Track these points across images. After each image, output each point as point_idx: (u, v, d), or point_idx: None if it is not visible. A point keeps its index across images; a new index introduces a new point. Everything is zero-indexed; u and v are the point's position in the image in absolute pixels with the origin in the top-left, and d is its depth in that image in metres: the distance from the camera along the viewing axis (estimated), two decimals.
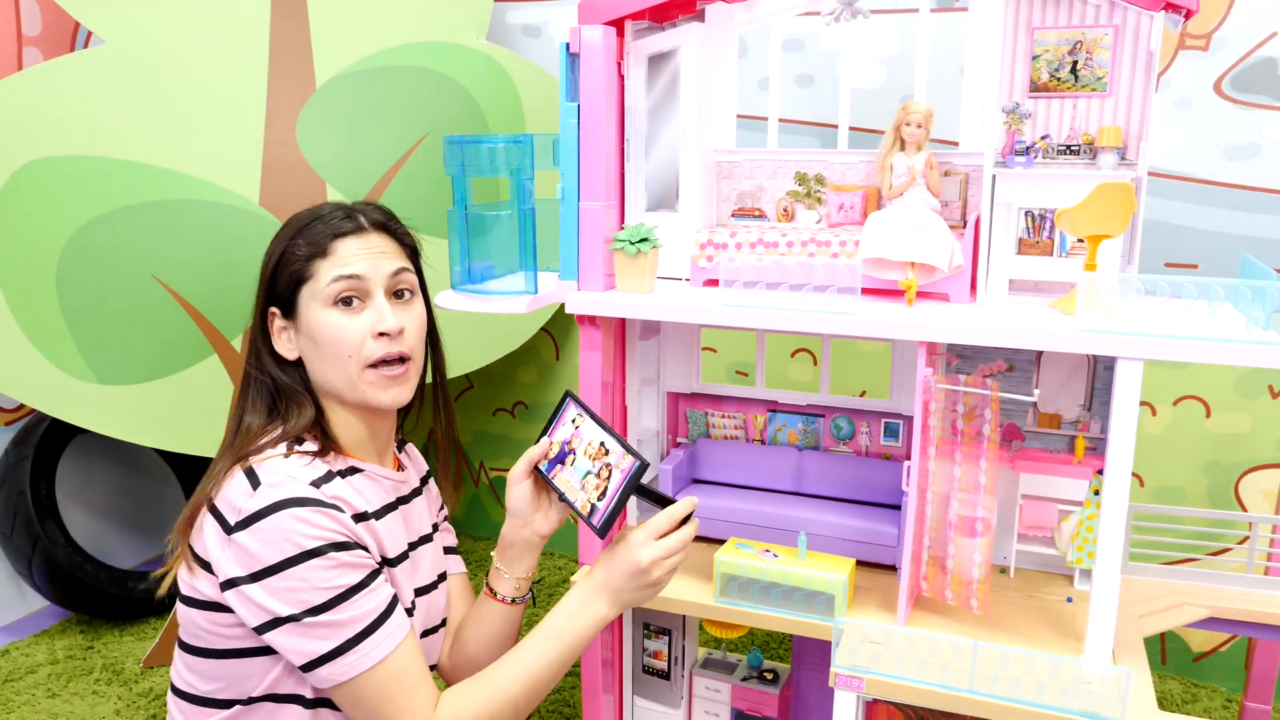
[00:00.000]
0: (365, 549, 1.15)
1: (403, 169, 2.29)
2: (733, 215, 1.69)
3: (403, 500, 1.32)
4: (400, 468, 1.36)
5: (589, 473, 1.27)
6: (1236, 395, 2.05)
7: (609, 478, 1.24)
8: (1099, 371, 1.55)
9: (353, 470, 1.23)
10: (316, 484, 1.14)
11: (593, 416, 1.31)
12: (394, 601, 1.16)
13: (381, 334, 1.21)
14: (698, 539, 1.73)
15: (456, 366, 2.58)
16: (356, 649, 1.11)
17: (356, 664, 1.11)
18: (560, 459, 1.32)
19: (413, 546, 1.32)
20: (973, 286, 1.44)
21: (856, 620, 1.40)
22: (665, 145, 1.64)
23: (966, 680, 1.26)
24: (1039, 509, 1.55)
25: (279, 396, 1.24)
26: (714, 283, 1.56)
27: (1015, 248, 1.55)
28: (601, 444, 1.27)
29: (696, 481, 1.80)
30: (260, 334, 1.25)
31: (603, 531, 1.24)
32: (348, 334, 1.20)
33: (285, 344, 1.25)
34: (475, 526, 3.08)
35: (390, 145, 2.29)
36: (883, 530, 1.58)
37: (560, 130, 1.49)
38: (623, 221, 1.60)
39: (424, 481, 1.43)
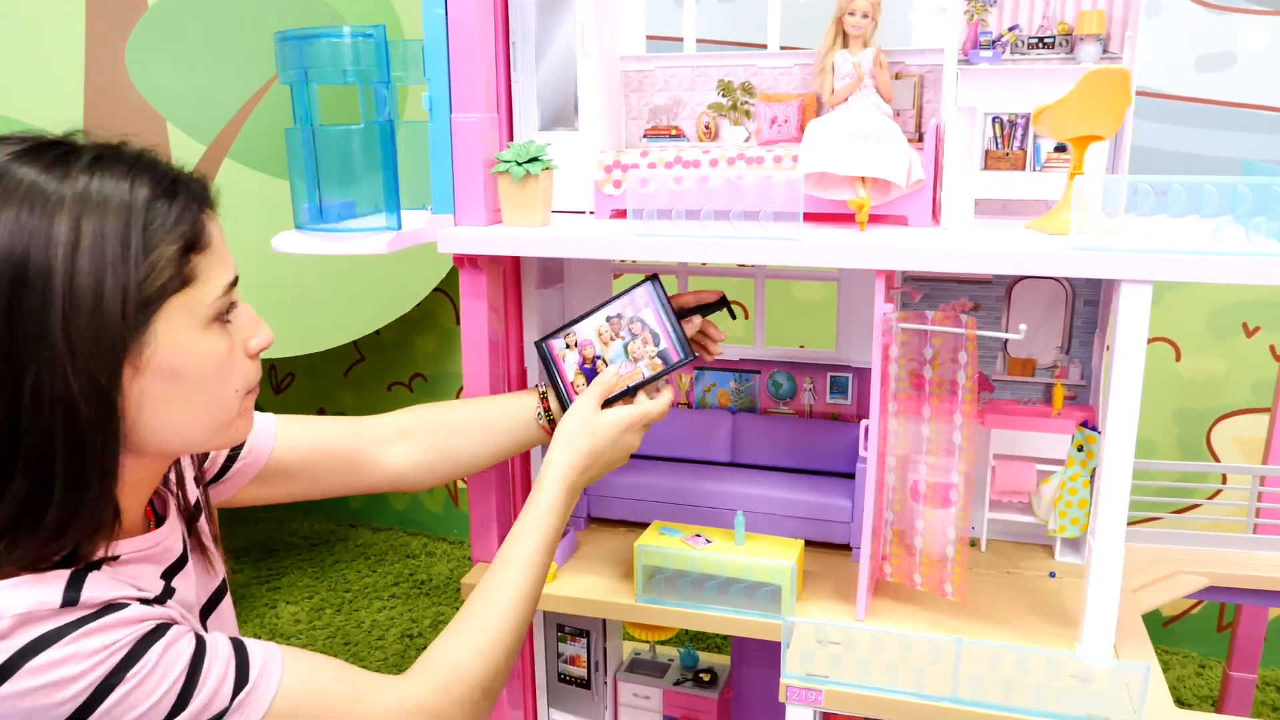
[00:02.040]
0: (167, 623, 0.76)
1: (261, 103, 1.95)
2: (645, 135, 1.41)
3: (178, 566, 0.88)
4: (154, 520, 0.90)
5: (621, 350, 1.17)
6: (1209, 335, 1.86)
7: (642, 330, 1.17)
8: (1078, 307, 1.32)
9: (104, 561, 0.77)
10: (70, 598, 0.71)
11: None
12: (238, 644, 0.80)
13: (258, 350, 0.86)
14: (613, 525, 1.47)
15: (338, 334, 2.29)
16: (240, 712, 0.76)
17: None
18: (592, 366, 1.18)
19: (214, 599, 0.96)
20: (934, 208, 1.19)
21: (809, 618, 1.15)
22: (562, 51, 1.35)
23: (948, 686, 1.02)
24: (1013, 470, 1.32)
25: (57, 489, 0.72)
26: (623, 214, 1.28)
27: (981, 161, 1.30)
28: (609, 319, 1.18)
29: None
30: (72, 395, 0.71)
31: (691, 355, 1.16)
32: (234, 360, 0.82)
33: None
34: (374, 516, 2.77)
35: (244, 75, 1.95)
36: (833, 504, 1.34)
37: (424, 23, 1.19)
38: (509, 141, 1.31)
39: (192, 520, 0.94)
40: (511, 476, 1.46)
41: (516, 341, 1.46)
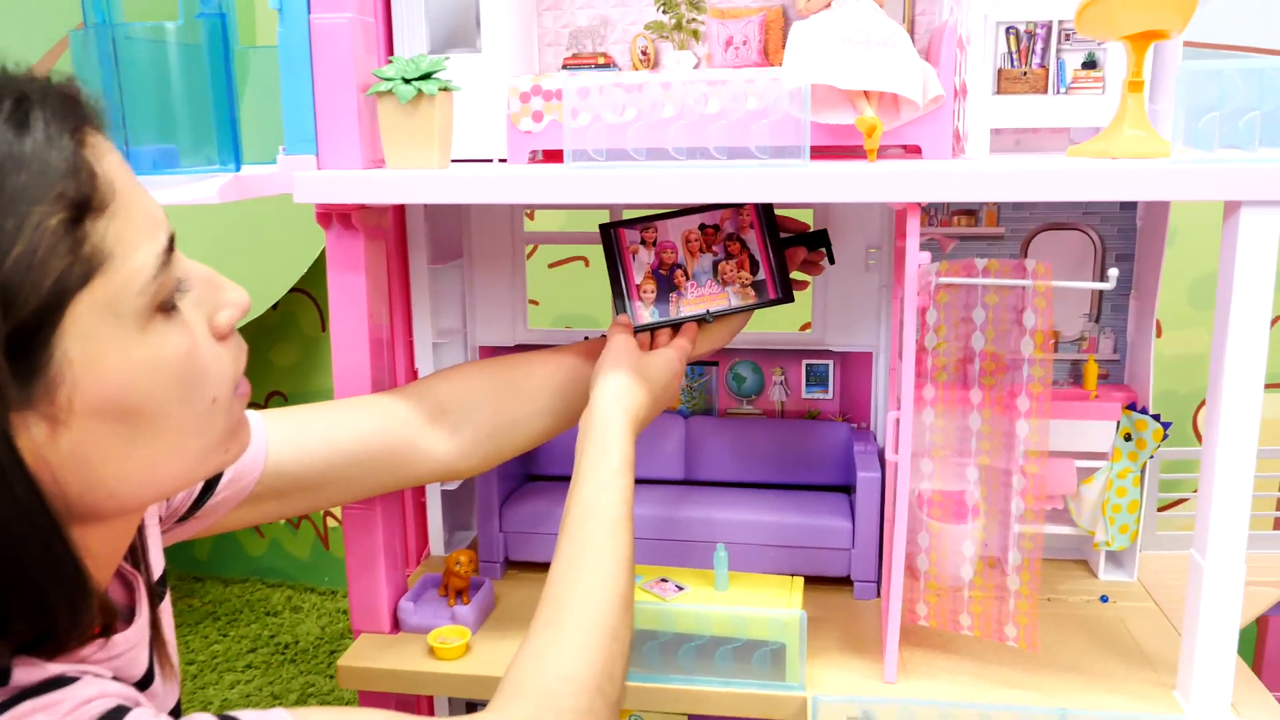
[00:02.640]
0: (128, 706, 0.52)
1: (63, 58, 1.55)
2: (564, 67, 1.10)
3: (144, 683, 0.63)
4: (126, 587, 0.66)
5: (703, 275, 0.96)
6: (1190, 307, 1.67)
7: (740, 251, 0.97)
8: (1109, 265, 1.07)
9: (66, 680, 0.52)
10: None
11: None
12: None
13: (229, 325, 0.58)
14: (540, 570, 1.14)
15: None
16: None
17: None
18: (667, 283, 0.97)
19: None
20: (955, 137, 0.92)
21: (829, 689, 0.85)
22: None
23: None
24: (1046, 469, 1.05)
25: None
26: (546, 159, 0.96)
27: (993, 84, 1.04)
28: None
29: (533, 478, 1.20)
30: None
31: (790, 296, 0.97)
32: (200, 356, 0.55)
33: (33, 454, 0.49)
34: (225, 564, 2.34)
35: (40, 28, 1.54)
36: (827, 526, 1.04)
37: None
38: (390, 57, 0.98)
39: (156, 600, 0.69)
40: (402, 507, 1.12)
41: (404, 334, 1.11)
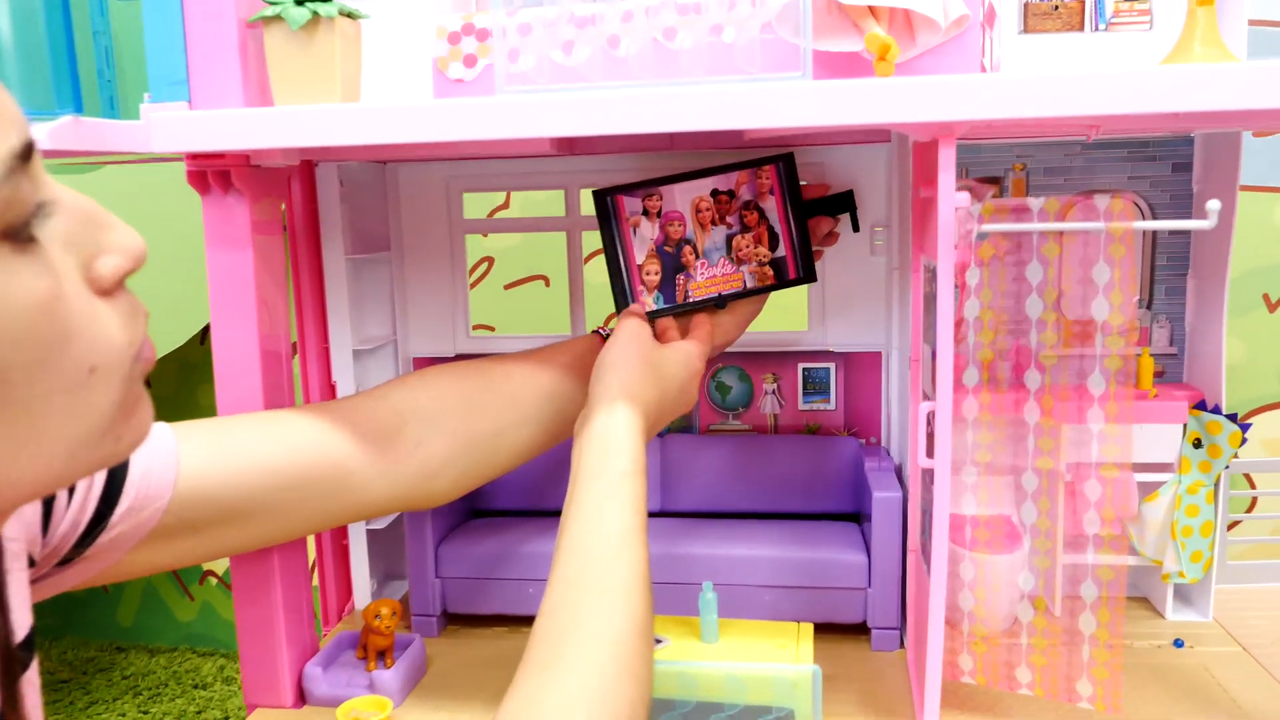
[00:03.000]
0: None
1: None
2: None
3: None
4: None
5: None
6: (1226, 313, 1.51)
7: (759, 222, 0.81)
8: (1159, 240, 0.90)
9: None
10: None
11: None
12: None
13: (116, 276, 0.39)
14: (484, 624, 0.93)
15: None
16: None
17: None
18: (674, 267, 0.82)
19: None
20: (984, 68, 0.75)
21: None
22: None
23: None
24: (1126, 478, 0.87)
25: None
26: None
27: (1019, 20, 0.88)
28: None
29: (479, 514, 1.00)
30: None
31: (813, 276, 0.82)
32: (70, 307, 0.37)
33: None
34: (151, 631, 2.09)
35: None
36: (836, 562, 0.85)
37: None
38: None
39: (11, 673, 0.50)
40: (319, 550, 0.92)
41: (318, 341, 0.92)
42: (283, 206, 0.81)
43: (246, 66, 0.71)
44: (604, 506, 0.61)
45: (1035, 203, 0.61)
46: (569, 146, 0.91)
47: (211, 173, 0.72)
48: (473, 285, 1.68)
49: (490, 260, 1.63)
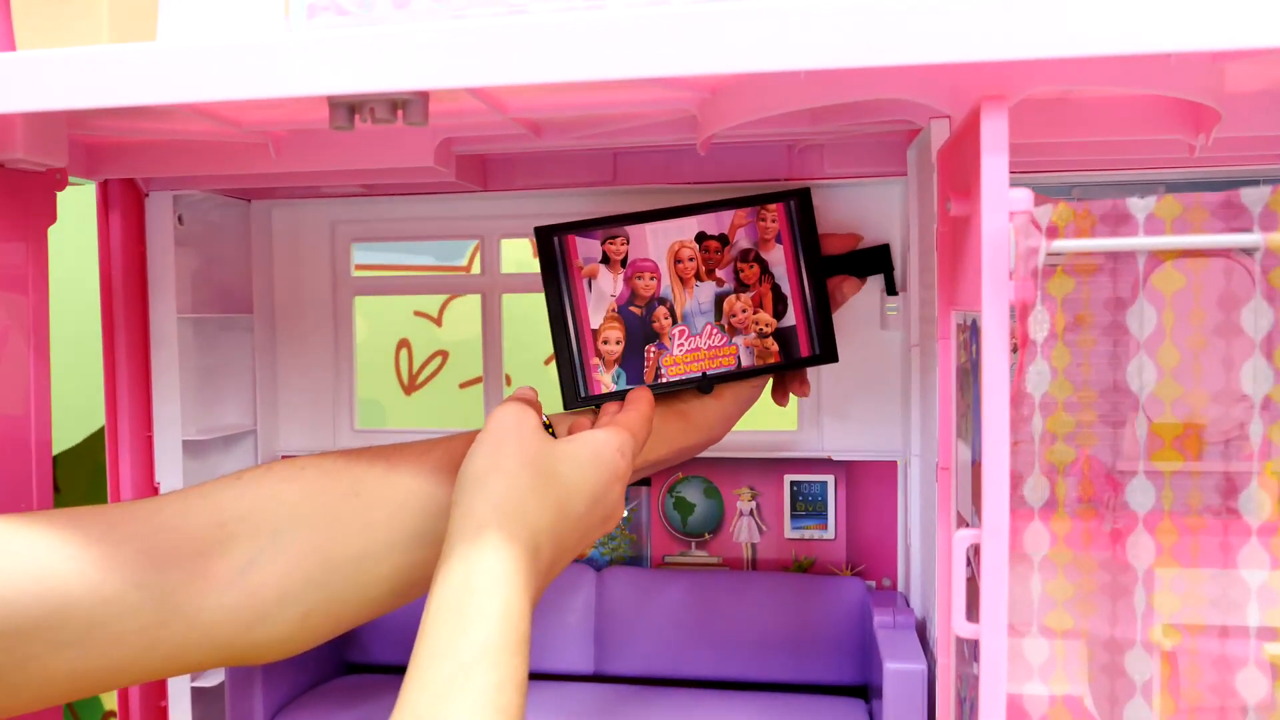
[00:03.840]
0: None
1: None
2: None
3: None
4: None
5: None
6: None
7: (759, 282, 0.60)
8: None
9: None
10: None
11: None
12: None
13: None
14: None
15: None
16: None
17: None
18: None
19: None
20: None
21: None
22: None
23: None
24: (1213, 655, 0.60)
25: None
26: None
27: None
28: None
29: (354, 668, 0.74)
30: None
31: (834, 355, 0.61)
32: None
33: None
34: None
35: None
36: None
37: None
38: None
39: None
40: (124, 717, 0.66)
41: (137, 426, 0.69)
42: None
43: None
44: (444, 708, 0.39)
45: (1141, 205, 0.38)
46: (481, 178, 0.69)
47: None
48: (423, 383, 1.45)
49: (444, 354, 1.41)
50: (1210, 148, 0.52)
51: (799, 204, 0.60)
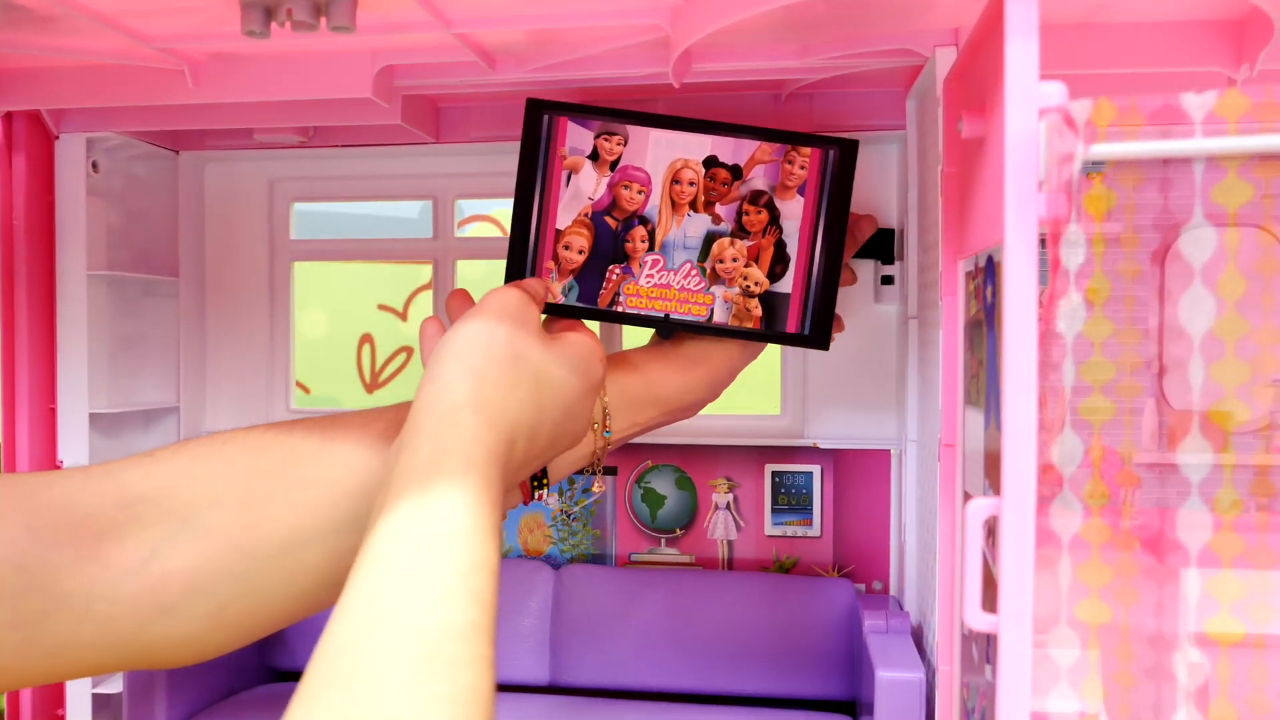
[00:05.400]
0: None
1: None
2: None
3: None
4: None
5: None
6: None
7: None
8: None
9: None
10: None
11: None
12: None
13: None
14: None
15: None
16: None
17: None
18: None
19: None
20: None
21: None
22: None
23: None
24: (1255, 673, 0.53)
25: None
26: None
27: None
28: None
29: (281, 675, 0.66)
30: None
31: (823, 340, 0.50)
32: None
33: None
34: None
35: None
36: None
37: None
38: None
39: None
40: None
41: (38, 398, 0.61)
42: None
43: None
44: (410, 588, 0.33)
45: (1198, 102, 0.31)
46: (433, 126, 0.62)
47: None
48: (386, 380, 1.37)
49: (409, 350, 1.34)
50: (1254, 81, 0.46)
51: (840, 156, 0.51)
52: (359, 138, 0.65)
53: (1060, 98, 0.32)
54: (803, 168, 0.51)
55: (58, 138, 0.61)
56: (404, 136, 0.62)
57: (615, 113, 0.51)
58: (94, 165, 0.62)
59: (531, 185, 0.51)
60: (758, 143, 0.51)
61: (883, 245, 0.60)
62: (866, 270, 0.62)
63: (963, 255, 0.44)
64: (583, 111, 0.51)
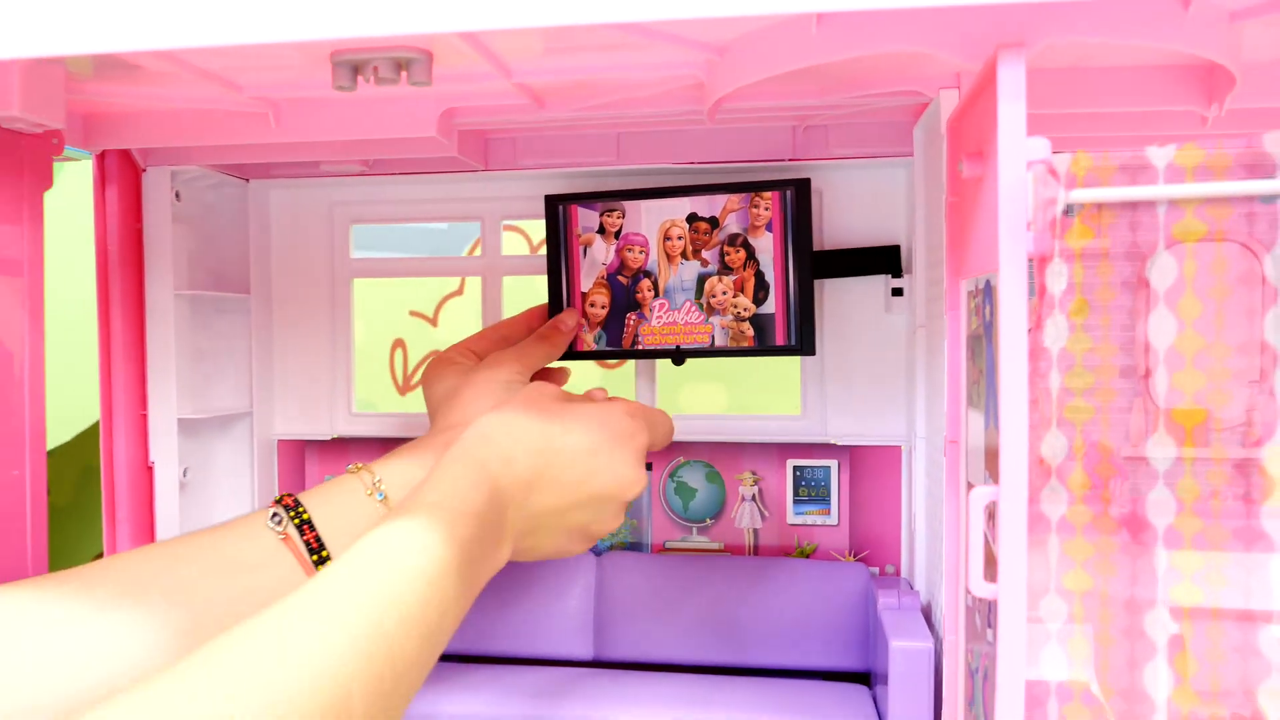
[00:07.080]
0: None
1: None
2: None
3: None
4: None
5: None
6: None
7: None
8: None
9: None
10: None
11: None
12: None
13: None
14: None
15: None
16: None
17: None
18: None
19: None
20: None
21: None
22: None
23: None
24: (1222, 645, 0.59)
25: None
26: None
27: None
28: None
29: None
30: None
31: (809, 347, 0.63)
32: None
33: None
34: None
35: None
36: None
37: None
38: None
39: None
40: None
41: (132, 405, 0.68)
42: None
43: None
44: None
45: (1161, 154, 0.37)
46: (483, 155, 0.68)
47: None
48: (418, 383, 1.44)
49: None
50: (1223, 119, 0.52)
51: (796, 194, 0.62)
52: (414, 166, 0.71)
53: (1044, 151, 0.38)
54: (766, 209, 0.62)
55: (145, 171, 0.68)
56: (455, 165, 0.69)
57: (611, 194, 0.64)
58: (177, 195, 0.68)
59: (558, 260, 0.64)
60: (727, 195, 0.63)
61: (891, 261, 0.67)
62: (878, 284, 0.69)
63: (964, 276, 0.50)
64: (587, 198, 0.64)
